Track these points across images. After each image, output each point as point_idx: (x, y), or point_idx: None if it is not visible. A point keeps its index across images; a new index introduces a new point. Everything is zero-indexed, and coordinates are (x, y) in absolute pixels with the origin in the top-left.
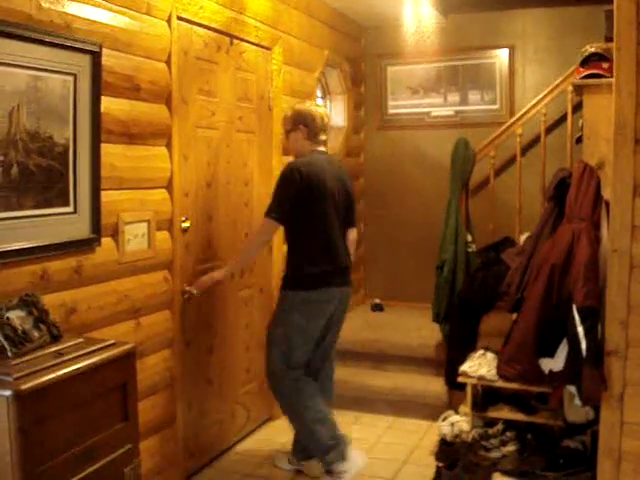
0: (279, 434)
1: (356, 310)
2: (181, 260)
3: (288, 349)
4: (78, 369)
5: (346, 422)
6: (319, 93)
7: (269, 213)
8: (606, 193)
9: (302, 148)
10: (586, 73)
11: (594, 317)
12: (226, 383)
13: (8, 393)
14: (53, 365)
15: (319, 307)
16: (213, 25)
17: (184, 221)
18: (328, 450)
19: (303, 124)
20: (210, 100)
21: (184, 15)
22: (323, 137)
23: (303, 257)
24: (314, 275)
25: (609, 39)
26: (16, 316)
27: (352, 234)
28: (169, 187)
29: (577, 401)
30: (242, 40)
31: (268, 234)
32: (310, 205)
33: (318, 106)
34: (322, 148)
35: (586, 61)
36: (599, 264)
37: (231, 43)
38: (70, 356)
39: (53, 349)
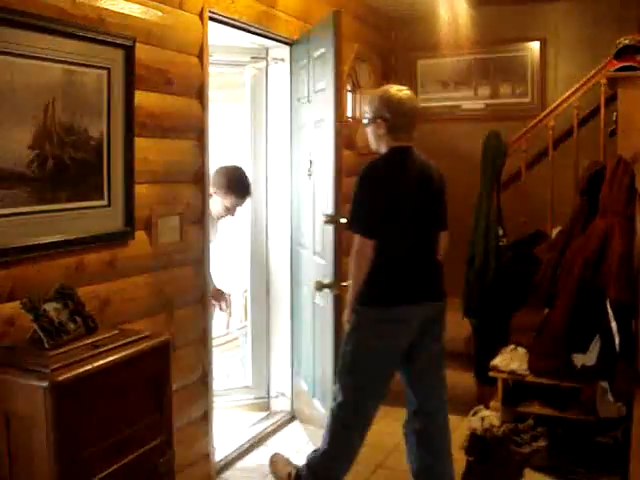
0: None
1: None
2: None
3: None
4: (114, 361)
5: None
6: (349, 87)
7: (355, 228)
8: None
9: (380, 144)
10: (620, 65)
11: (628, 312)
12: None
13: (45, 384)
14: (89, 357)
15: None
16: (244, 19)
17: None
18: None
19: (381, 117)
20: None
21: (215, 9)
22: (408, 131)
23: (379, 269)
24: (389, 290)
25: None
26: (52, 308)
27: (443, 239)
28: (200, 181)
29: (609, 397)
30: (273, 33)
31: (364, 252)
32: (389, 211)
33: (402, 91)
34: (405, 144)
35: (620, 53)
36: (633, 258)
37: None
38: (106, 348)
39: (89, 341)
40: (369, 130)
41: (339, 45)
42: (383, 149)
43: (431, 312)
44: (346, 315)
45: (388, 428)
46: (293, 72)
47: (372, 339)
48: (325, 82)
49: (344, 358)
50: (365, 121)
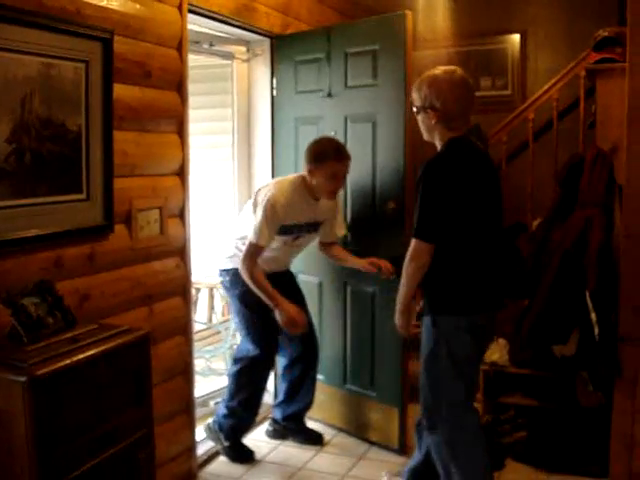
0: None
1: None
2: None
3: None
4: (93, 355)
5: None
6: None
7: (418, 234)
8: (619, 178)
9: (433, 134)
10: (599, 58)
11: (607, 303)
12: None
13: (23, 379)
14: (68, 351)
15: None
16: (224, 11)
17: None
18: None
19: (431, 106)
20: None
21: (195, 2)
22: (464, 118)
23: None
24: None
25: (622, 23)
26: (31, 302)
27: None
28: (181, 174)
29: (589, 386)
30: (253, 26)
31: (421, 259)
32: (462, 213)
33: (454, 73)
34: (461, 134)
35: (599, 46)
36: (612, 250)
37: None
38: (85, 342)
39: (68, 335)
40: (419, 119)
41: (409, 44)
42: (437, 140)
43: (492, 321)
44: (404, 326)
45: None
46: (282, 65)
47: (457, 349)
48: (368, 77)
49: (431, 376)
50: (414, 109)
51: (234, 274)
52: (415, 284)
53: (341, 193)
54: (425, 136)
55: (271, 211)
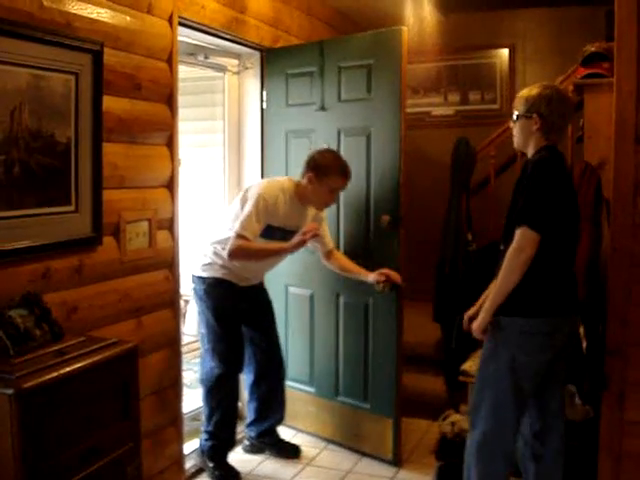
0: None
1: None
2: None
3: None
4: (80, 368)
5: None
6: None
7: (531, 222)
8: (607, 192)
9: (529, 141)
10: (587, 73)
11: (595, 316)
12: None
13: (10, 392)
14: (55, 364)
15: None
16: (214, 25)
17: None
18: None
19: (538, 112)
20: None
21: (185, 15)
22: (561, 133)
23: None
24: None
25: (610, 39)
26: (18, 315)
27: None
28: (170, 186)
29: (577, 400)
30: (243, 39)
31: (532, 249)
32: (561, 211)
33: (565, 92)
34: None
35: (587, 61)
36: (600, 263)
37: None
38: (72, 355)
39: (55, 348)
40: (518, 126)
41: (405, 59)
42: (531, 148)
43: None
44: (479, 325)
45: None
46: (274, 77)
47: (520, 356)
48: (362, 91)
49: (485, 382)
50: (515, 117)
51: (211, 285)
52: (517, 279)
53: (334, 207)
54: (518, 143)
55: (263, 204)
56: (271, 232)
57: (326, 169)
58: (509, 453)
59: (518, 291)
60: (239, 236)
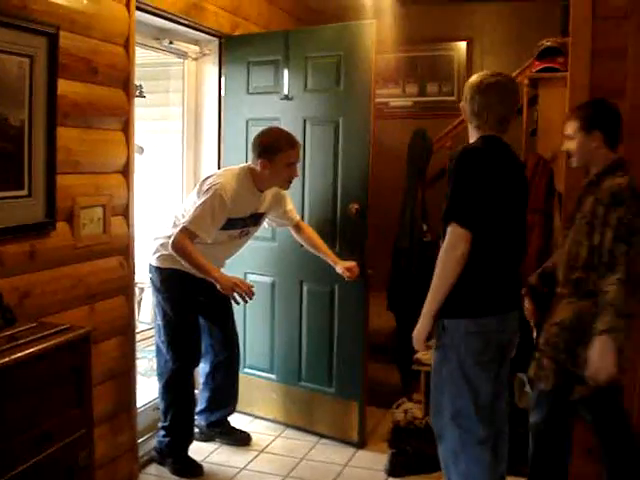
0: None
1: None
2: None
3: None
4: (31, 353)
5: None
6: None
7: (456, 217)
8: (559, 186)
9: (470, 130)
10: (542, 67)
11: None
12: None
13: None
14: (6, 349)
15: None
16: (172, 10)
17: None
18: None
19: (466, 100)
20: None
21: None
22: (502, 124)
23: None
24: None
25: (565, 34)
26: None
27: None
28: (126, 172)
29: (527, 388)
30: (201, 25)
31: (459, 248)
32: (491, 203)
33: (501, 80)
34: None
35: (542, 55)
36: (551, 255)
37: None
38: (23, 340)
39: (7, 333)
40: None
41: (374, 53)
42: (470, 137)
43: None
44: (419, 331)
45: None
46: (234, 65)
47: (468, 358)
48: (331, 82)
49: (440, 388)
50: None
51: (169, 275)
52: (452, 280)
53: (299, 195)
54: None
55: (220, 203)
56: (232, 224)
57: (274, 148)
58: (485, 451)
59: (460, 291)
60: (186, 230)
